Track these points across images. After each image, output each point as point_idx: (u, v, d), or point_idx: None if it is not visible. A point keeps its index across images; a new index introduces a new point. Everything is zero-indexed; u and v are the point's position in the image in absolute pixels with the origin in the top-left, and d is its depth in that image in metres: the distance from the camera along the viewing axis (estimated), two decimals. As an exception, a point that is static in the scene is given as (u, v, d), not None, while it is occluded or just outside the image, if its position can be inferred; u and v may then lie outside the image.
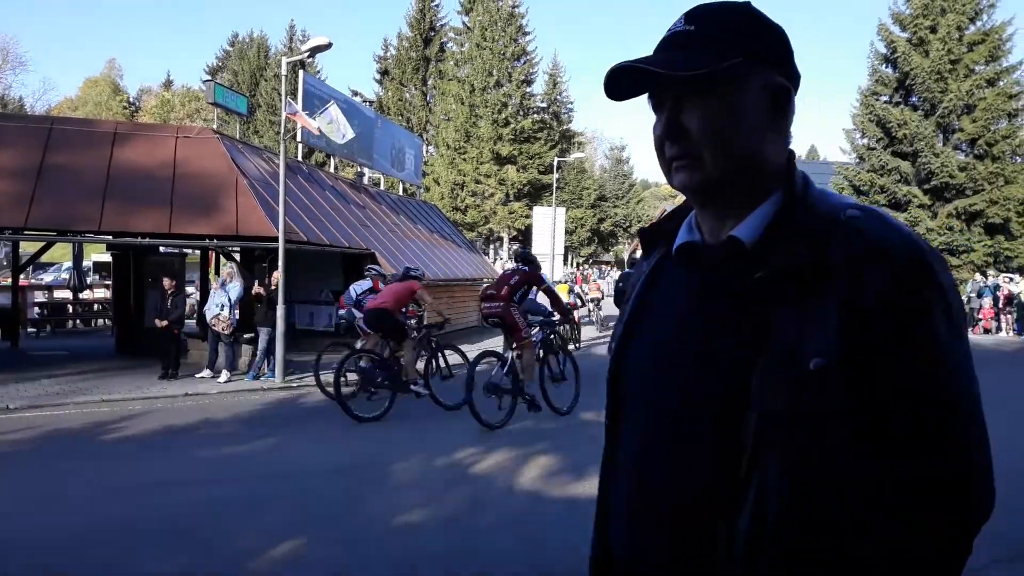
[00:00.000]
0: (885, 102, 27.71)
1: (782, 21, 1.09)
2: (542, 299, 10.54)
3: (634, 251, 68.65)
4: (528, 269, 8.89)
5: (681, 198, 1.18)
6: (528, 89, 52.66)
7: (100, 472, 6.56)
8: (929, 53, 26.11)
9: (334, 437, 8.25)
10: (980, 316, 21.28)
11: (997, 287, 21.21)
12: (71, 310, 20.91)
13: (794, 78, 1.10)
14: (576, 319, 15.63)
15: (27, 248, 16.61)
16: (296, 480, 6.21)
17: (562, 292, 15.91)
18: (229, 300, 11.71)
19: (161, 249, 16.27)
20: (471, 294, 21.86)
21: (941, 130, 26.62)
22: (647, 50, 1.12)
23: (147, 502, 5.51)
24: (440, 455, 7.18)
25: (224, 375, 11.47)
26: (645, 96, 1.12)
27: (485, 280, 24.21)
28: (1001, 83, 26.04)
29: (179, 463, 6.84)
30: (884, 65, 28.08)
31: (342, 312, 12.04)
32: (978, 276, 23.26)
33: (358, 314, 10.83)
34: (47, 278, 30.74)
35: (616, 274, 28.15)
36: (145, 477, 6.26)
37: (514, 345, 8.41)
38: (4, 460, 7.03)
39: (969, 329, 20.21)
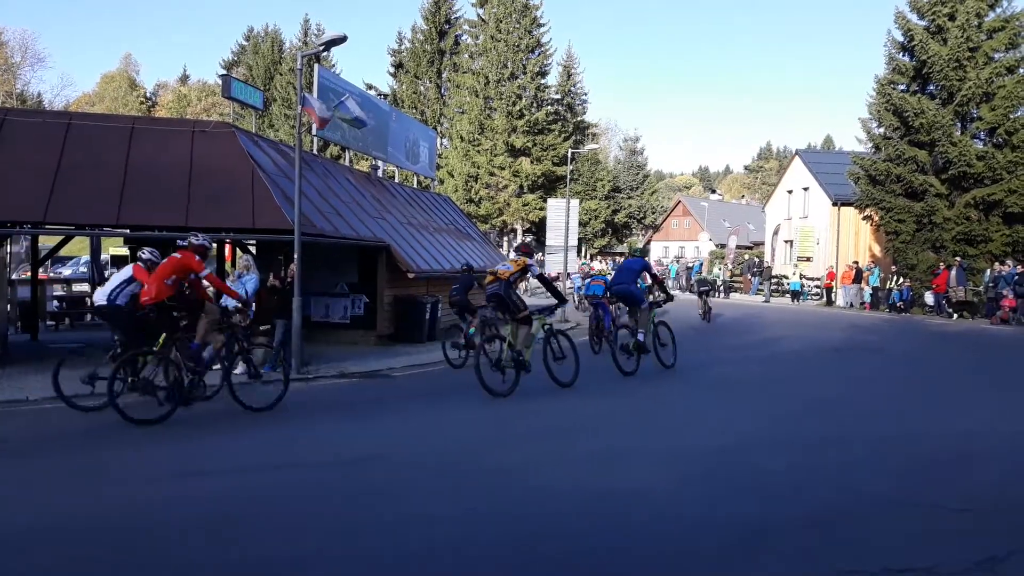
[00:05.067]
0: (902, 91, 27.37)
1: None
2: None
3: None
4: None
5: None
6: (542, 81, 52.44)
7: (115, 463, 6.65)
8: (947, 41, 25.74)
9: (351, 427, 8.33)
10: (1001, 306, 21.04)
11: (1015, 276, 20.97)
12: (89, 303, 21.10)
13: None
14: None
15: (46, 242, 16.79)
16: (314, 471, 6.26)
17: None
18: (246, 292, 11.78)
19: (178, 242, 16.37)
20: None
21: (959, 119, 26.26)
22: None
23: (160, 494, 5.58)
24: (458, 445, 7.23)
25: (240, 366, 11.52)
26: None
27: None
28: (1021, 70, 25.62)
29: (194, 454, 6.92)
30: (901, 53, 27.75)
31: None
32: (995, 265, 23.00)
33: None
34: (66, 272, 31.08)
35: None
36: (160, 468, 6.34)
37: None
38: (22, 451, 7.14)
39: (988, 320, 20.00)
